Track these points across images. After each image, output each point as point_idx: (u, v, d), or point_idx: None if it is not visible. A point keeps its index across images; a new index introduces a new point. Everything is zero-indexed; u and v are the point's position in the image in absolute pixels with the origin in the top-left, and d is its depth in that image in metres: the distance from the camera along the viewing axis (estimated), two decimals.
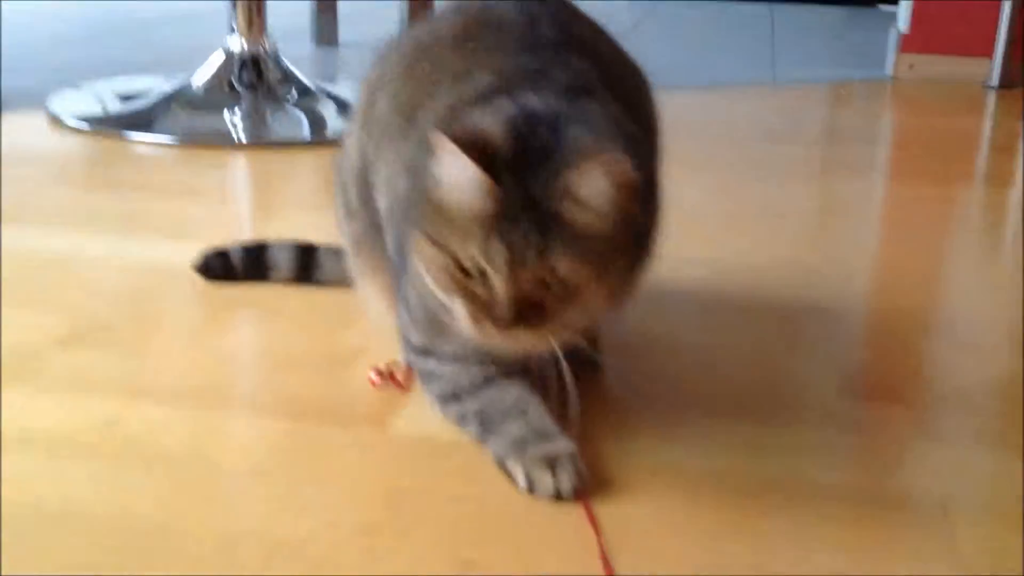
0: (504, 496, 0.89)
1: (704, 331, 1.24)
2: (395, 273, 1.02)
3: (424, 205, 0.86)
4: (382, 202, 1.02)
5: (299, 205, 1.70)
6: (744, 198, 1.79)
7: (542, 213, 0.82)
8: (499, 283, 0.83)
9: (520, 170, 0.82)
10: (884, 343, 1.25)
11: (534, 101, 0.87)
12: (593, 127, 0.87)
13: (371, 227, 1.06)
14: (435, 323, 0.93)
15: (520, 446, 0.91)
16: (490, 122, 0.85)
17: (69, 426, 0.98)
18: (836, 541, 0.85)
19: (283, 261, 1.29)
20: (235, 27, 2.15)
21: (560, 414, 0.93)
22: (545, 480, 0.89)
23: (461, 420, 0.97)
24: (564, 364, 0.88)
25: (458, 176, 0.82)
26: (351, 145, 1.08)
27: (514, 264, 0.82)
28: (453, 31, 1.02)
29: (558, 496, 0.88)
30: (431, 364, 0.98)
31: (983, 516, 0.89)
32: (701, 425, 1.02)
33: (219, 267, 1.29)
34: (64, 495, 0.87)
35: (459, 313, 0.86)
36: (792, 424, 1.03)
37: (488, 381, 0.96)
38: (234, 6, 2.15)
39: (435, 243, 0.85)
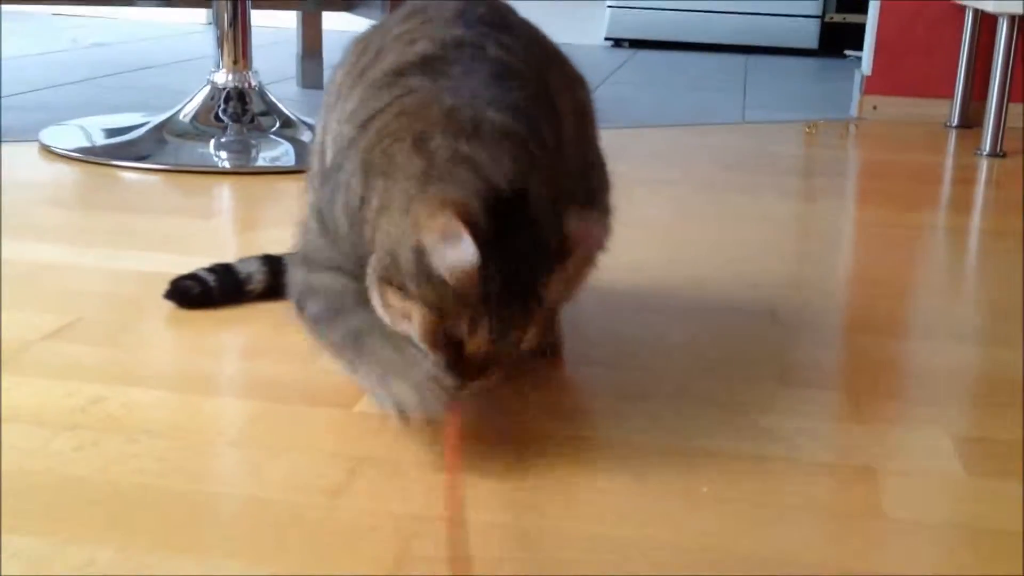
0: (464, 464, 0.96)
1: (660, 327, 1.31)
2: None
3: (405, 269, 0.91)
4: (328, 154, 1.09)
5: (279, 224, 1.77)
6: (709, 215, 1.87)
7: (525, 292, 0.90)
8: (474, 349, 0.91)
9: (502, 253, 0.89)
10: (830, 341, 1.33)
11: (498, 178, 0.92)
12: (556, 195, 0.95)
13: None
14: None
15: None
16: (466, 197, 0.90)
17: (56, 405, 1.04)
18: (768, 504, 0.92)
19: (255, 275, 1.34)
20: (221, 64, 2.25)
21: None
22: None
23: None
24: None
25: (450, 253, 0.87)
26: (317, 128, 1.16)
27: (494, 339, 0.91)
28: (402, 12, 1.13)
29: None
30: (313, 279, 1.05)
31: (906, 481, 0.96)
32: (650, 406, 1.09)
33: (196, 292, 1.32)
34: (50, 464, 0.93)
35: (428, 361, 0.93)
36: (735, 408, 1.10)
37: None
38: (220, 46, 2.24)
39: (415, 300, 0.91)
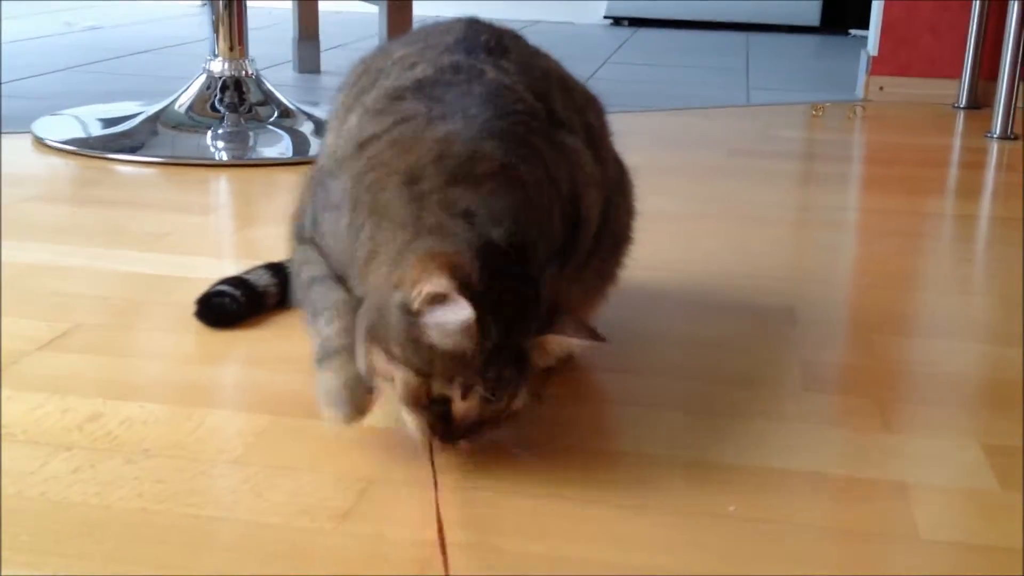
0: (471, 480, 0.92)
1: (674, 328, 1.27)
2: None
3: (392, 328, 0.86)
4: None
5: (279, 220, 1.72)
6: (717, 205, 1.83)
7: (518, 358, 0.87)
8: (462, 413, 0.88)
9: (498, 313, 0.85)
10: (849, 341, 1.29)
11: (495, 231, 0.88)
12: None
13: None
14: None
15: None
16: (459, 253, 0.86)
17: (52, 423, 1.00)
18: (800, 525, 0.88)
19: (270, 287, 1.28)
20: (217, 51, 2.19)
21: None
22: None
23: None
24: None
25: (442, 315, 0.84)
26: (321, 149, 1.14)
27: (486, 401, 0.87)
28: (404, 38, 1.13)
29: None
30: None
31: (940, 498, 0.92)
32: (668, 416, 1.05)
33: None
34: (45, 489, 0.89)
35: (409, 423, 0.90)
36: (758, 417, 1.06)
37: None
38: (216, 30, 2.19)
39: (399, 362, 0.87)
